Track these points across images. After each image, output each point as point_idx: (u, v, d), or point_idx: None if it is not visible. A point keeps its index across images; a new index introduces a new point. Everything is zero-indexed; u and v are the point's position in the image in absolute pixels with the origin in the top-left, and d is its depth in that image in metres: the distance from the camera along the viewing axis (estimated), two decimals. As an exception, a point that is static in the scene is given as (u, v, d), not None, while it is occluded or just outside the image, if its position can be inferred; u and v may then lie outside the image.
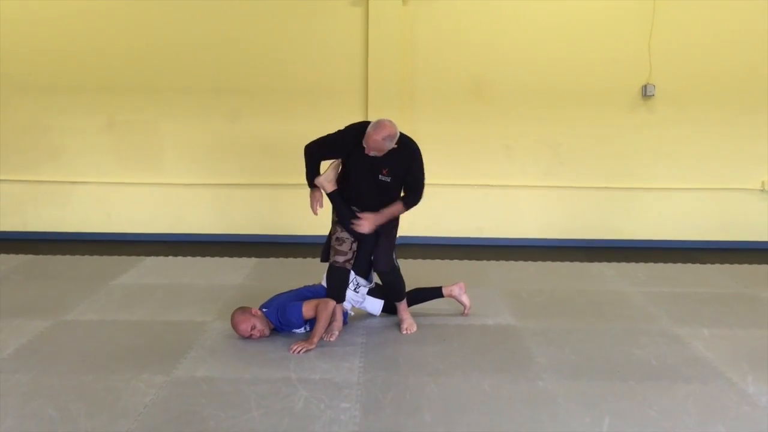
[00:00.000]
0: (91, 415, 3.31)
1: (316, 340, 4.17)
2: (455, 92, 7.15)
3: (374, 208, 4.31)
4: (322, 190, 4.40)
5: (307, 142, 4.40)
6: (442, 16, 7.02)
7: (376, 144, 4.09)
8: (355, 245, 4.41)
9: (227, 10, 7.03)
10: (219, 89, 7.17)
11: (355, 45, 7.06)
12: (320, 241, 6.57)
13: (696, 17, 6.98)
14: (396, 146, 4.17)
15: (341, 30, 7.05)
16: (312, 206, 4.43)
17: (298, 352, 4.08)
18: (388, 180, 4.27)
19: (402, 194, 4.38)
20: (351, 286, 4.46)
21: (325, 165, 4.46)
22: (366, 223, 4.26)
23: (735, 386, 3.72)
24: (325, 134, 4.38)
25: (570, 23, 7.03)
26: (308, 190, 4.46)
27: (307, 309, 4.29)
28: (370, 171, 4.26)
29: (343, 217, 4.36)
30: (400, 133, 4.22)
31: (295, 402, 3.47)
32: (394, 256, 4.51)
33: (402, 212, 4.41)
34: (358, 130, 4.23)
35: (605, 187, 7.27)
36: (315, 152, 4.38)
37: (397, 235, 4.57)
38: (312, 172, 4.39)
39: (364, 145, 4.13)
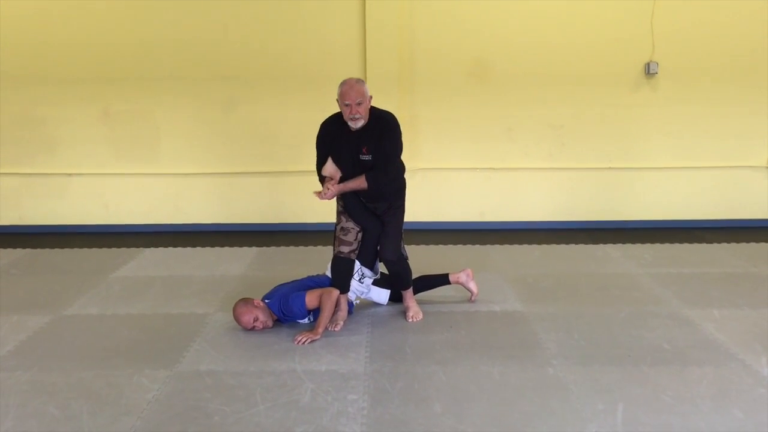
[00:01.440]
0: (94, 412, 3.25)
1: (320, 330, 4.10)
2: (455, 75, 7.04)
3: (370, 198, 4.25)
4: (334, 179, 4.24)
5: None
6: (440, -3, 6.91)
7: (355, 89, 4.02)
8: (360, 235, 4.32)
9: (221, -4, 6.91)
10: (215, 77, 7.06)
11: (353, 29, 6.94)
12: (321, 229, 6.55)
13: (698, -6, 6.88)
14: (374, 115, 4.15)
15: (338, 14, 6.93)
16: (322, 192, 4.21)
17: (303, 342, 4.02)
18: (369, 158, 4.17)
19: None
20: (356, 276, 4.38)
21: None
22: (326, 189, 4.15)
23: (749, 368, 3.65)
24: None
25: (571, 2, 6.91)
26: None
27: (311, 299, 4.21)
28: (351, 154, 4.18)
29: (349, 206, 4.27)
30: (377, 108, 4.20)
31: (302, 395, 3.40)
32: (402, 245, 4.43)
33: (363, 188, 4.16)
34: (329, 118, 4.28)
35: (609, 168, 7.18)
36: (320, 164, 4.31)
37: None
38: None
39: (349, 114, 4.04)
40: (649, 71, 6.94)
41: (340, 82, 4.13)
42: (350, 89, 4.04)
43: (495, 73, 7.03)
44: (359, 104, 4.04)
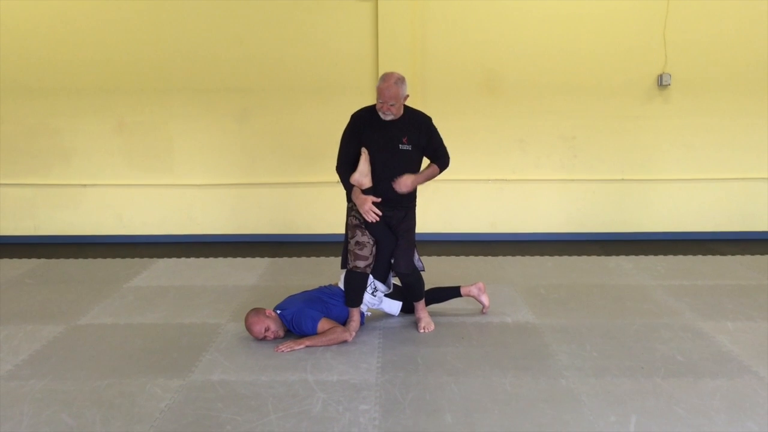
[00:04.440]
0: (107, 421, 3.27)
1: (306, 344, 4.10)
2: (467, 86, 7.06)
3: (387, 193, 4.24)
4: (360, 188, 4.24)
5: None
6: (452, 9, 6.94)
7: (390, 91, 4.08)
8: (375, 249, 4.32)
9: (235, 10, 6.97)
10: (228, 89, 7.11)
11: (365, 40, 6.98)
12: (332, 240, 6.56)
13: (711, 5, 6.86)
14: (409, 112, 4.27)
15: (350, 26, 6.97)
16: (366, 211, 4.18)
17: (284, 350, 4.05)
18: (410, 148, 4.24)
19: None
20: (369, 289, 4.39)
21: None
22: (406, 181, 4.19)
23: (763, 380, 3.63)
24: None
25: (583, 13, 6.93)
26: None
27: (323, 326, 4.20)
28: (390, 143, 4.21)
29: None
30: (411, 107, 4.31)
31: (313, 404, 3.41)
32: (416, 257, 4.44)
33: (437, 174, 4.39)
34: (361, 109, 4.34)
35: (621, 180, 7.17)
36: (342, 162, 4.31)
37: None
38: (349, 184, 4.29)
39: (380, 108, 4.13)
40: (661, 83, 6.93)
41: (382, 75, 4.20)
42: (386, 90, 4.09)
43: (506, 85, 7.05)
44: (392, 105, 4.12)
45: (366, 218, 4.19)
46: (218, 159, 7.26)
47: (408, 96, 4.21)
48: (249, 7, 6.97)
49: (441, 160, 4.39)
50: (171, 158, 7.28)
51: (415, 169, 4.30)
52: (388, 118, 4.17)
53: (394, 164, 4.21)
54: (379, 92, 4.12)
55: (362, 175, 4.21)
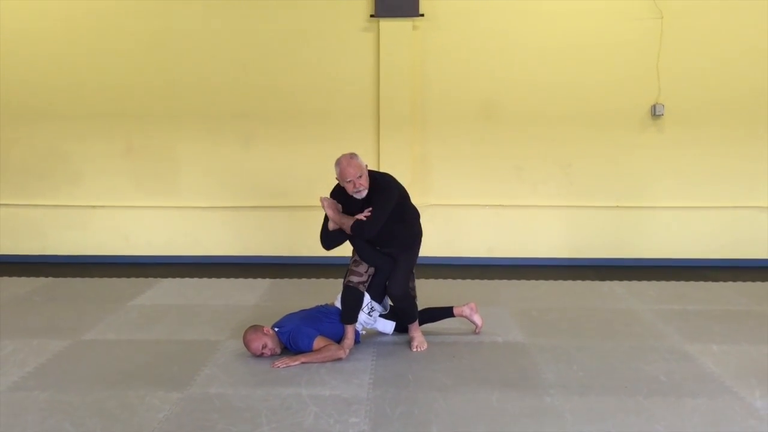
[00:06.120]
0: (107, 430, 3.40)
1: (301, 361, 4.24)
2: (465, 114, 7.25)
3: (382, 246, 4.46)
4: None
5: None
6: (452, 40, 7.15)
7: (352, 167, 4.25)
8: (371, 269, 4.51)
9: (241, 39, 7.21)
10: (234, 114, 7.32)
11: (367, 70, 7.20)
12: (333, 262, 6.69)
13: (703, 37, 7.06)
14: (372, 179, 4.35)
15: (353, 55, 7.20)
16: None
17: (280, 366, 4.19)
18: None
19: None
20: (365, 309, 4.54)
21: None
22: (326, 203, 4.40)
23: (742, 401, 3.73)
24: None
25: (578, 44, 7.13)
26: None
27: (318, 344, 4.35)
28: (356, 213, 4.37)
29: (360, 249, 4.48)
30: (373, 171, 4.44)
31: (305, 417, 3.53)
32: (411, 285, 4.60)
33: (349, 229, 4.33)
34: (335, 186, 4.49)
35: (616, 207, 7.31)
36: (323, 234, 4.51)
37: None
38: (335, 237, 4.48)
39: (348, 189, 4.30)
40: (655, 113, 7.10)
41: (334, 162, 4.34)
42: (348, 167, 4.26)
43: (504, 113, 7.23)
44: (360, 177, 4.28)
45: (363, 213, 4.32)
46: (223, 182, 7.45)
47: (366, 165, 4.36)
48: (255, 37, 7.21)
49: (359, 222, 4.29)
50: (177, 181, 7.47)
51: (391, 230, 4.39)
52: (364, 194, 4.32)
53: None
54: (343, 174, 4.26)
55: (335, 220, 4.40)
